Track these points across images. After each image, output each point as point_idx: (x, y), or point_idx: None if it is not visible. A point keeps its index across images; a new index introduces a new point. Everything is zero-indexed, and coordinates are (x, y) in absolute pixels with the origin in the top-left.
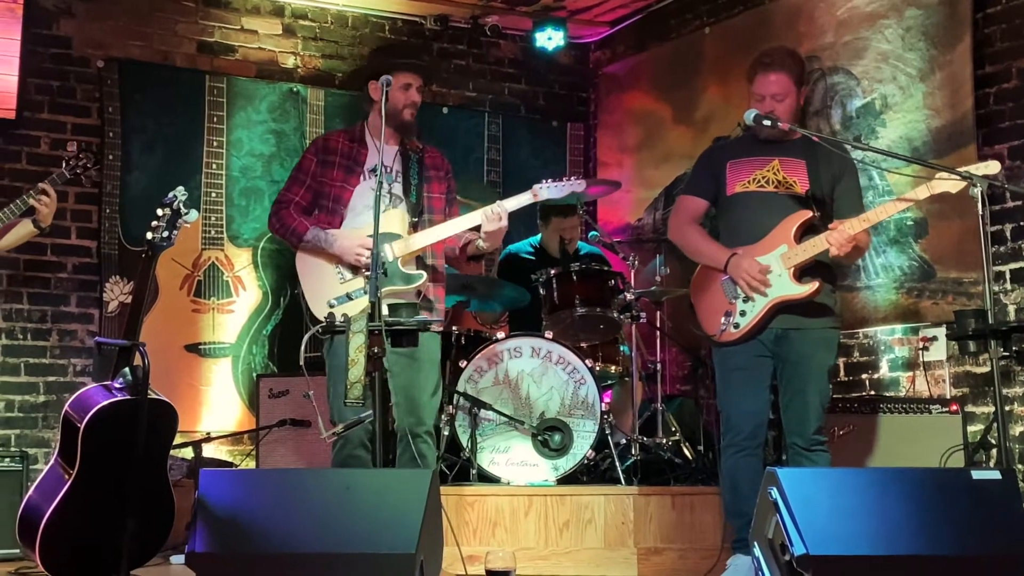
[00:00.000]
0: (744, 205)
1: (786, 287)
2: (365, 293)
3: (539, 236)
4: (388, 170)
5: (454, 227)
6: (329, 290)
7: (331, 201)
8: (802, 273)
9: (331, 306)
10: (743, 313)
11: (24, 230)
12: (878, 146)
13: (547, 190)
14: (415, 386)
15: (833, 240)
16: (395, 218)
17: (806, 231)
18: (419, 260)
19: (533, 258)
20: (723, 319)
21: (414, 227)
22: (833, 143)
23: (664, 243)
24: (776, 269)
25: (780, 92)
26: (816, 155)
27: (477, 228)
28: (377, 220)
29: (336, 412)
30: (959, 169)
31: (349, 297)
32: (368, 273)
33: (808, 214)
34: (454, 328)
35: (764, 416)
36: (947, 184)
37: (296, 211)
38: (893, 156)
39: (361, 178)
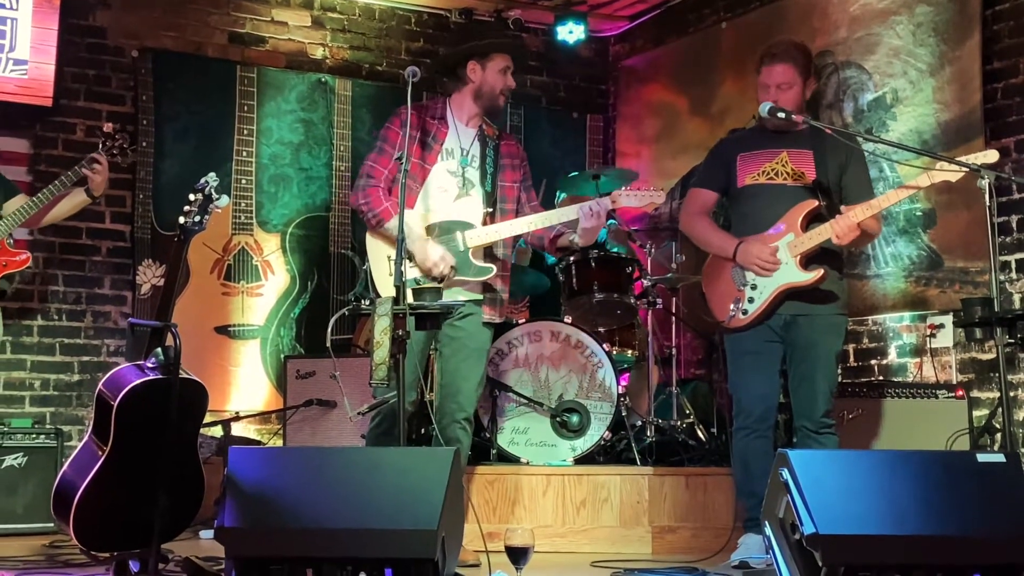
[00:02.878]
0: (754, 197)
1: (792, 274)
2: (402, 264)
3: None
4: (465, 153)
5: (523, 225)
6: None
7: (407, 178)
8: (808, 261)
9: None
10: (751, 300)
11: (77, 199)
12: (889, 139)
13: (626, 198)
14: (460, 373)
15: (837, 229)
16: (469, 206)
17: (812, 220)
18: (488, 251)
19: None
20: (732, 305)
21: (490, 217)
22: (843, 134)
23: (680, 231)
24: (783, 257)
25: (785, 82)
26: (823, 144)
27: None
28: (402, 205)
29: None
30: (959, 159)
31: (416, 282)
32: (437, 275)
33: (814, 203)
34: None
35: (774, 399)
36: (947, 173)
37: (384, 193)
38: (902, 148)
39: (439, 158)
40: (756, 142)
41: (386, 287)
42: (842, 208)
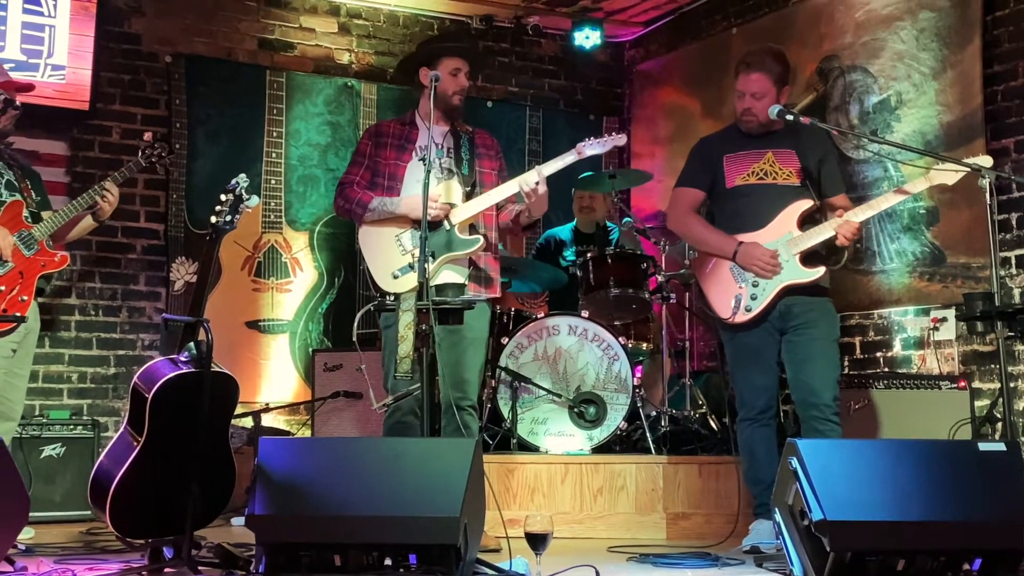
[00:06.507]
0: (744, 196)
1: (795, 272)
2: (426, 261)
3: (575, 221)
4: (439, 146)
5: (497, 195)
6: (392, 262)
7: (387, 179)
8: (806, 258)
9: (395, 277)
10: (754, 297)
11: (86, 223)
12: (893, 139)
13: (591, 147)
14: (461, 363)
15: (841, 231)
16: (449, 189)
17: (806, 218)
18: (472, 228)
19: (570, 238)
20: (733, 302)
21: (468, 197)
22: (851, 135)
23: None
24: (784, 255)
25: (757, 91)
26: (801, 141)
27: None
28: (425, 204)
29: (389, 380)
30: (963, 160)
31: (411, 267)
32: (440, 215)
33: (810, 203)
34: (497, 307)
35: (775, 389)
36: (944, 176)
37: (359, 188)
38: (905, 148)
39: (413, 154)
40: (740, 143)
41: (384, 279)
42: (828, 201)
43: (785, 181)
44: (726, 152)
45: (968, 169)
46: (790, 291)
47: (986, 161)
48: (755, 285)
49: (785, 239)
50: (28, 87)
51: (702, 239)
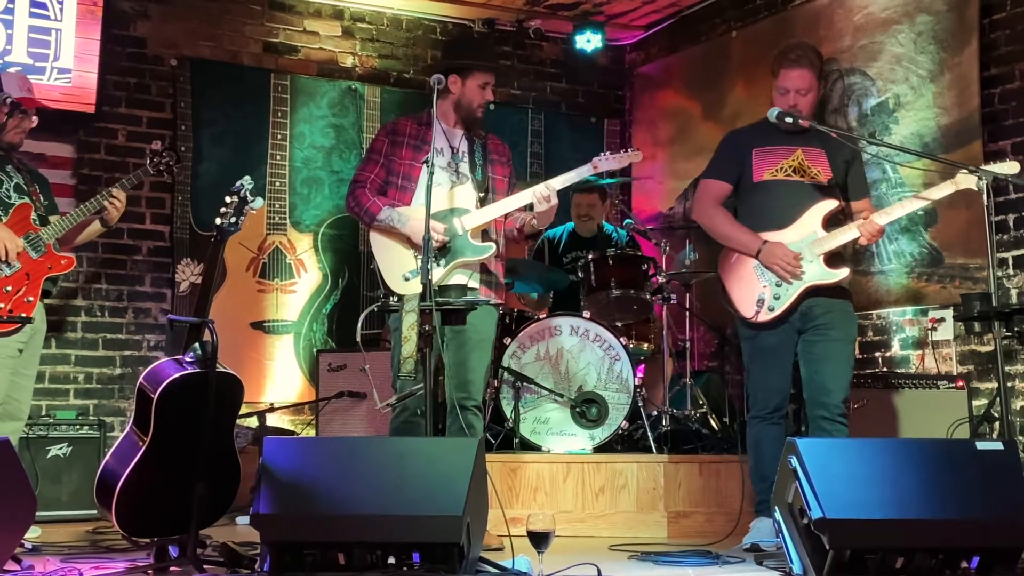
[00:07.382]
0: (771, 192)
1: (820, 273)
2: (437, 264)
3: (572, 224)
4: (455, 151)
5: (512, 203)
6: (403, 264)
7: (401, 178)
8: (829, 258)
9: (406, 279)
10: (777, 297)
11: (94, 228)
12: (891, 142)
13: (606, 162)
14: (465, 363)
15: (865, 231)
16: (463, 194)
17: (830, 219)
18: (484, 234)
19: (567, 240)
20: (757, 302)
21: (481, 203)
22: (848, 138)
23: (693, 230)
24: (808, 256)
25: (804, 87)
26: (831, 143)
27: (530, 207)
28: (428, 206)
29: (397, 380)
30: (985, 167)
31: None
32: (437, 247)
33: (836, 203)
34: (500, 309)
35: (788, 390)
36: (970, 180)
37: (372, 191)
38: (907, 152)
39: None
40: (770, 138)
41: (395, 281)
42: (852, 205)
43: (813, 180)
44: (756, 146)
45: (1001, 177)
46: (813, 292)
47: (1012, 167)
48: (778, 285)
49: (810, 239)
50: (46, 108)
51: (726, 234)
